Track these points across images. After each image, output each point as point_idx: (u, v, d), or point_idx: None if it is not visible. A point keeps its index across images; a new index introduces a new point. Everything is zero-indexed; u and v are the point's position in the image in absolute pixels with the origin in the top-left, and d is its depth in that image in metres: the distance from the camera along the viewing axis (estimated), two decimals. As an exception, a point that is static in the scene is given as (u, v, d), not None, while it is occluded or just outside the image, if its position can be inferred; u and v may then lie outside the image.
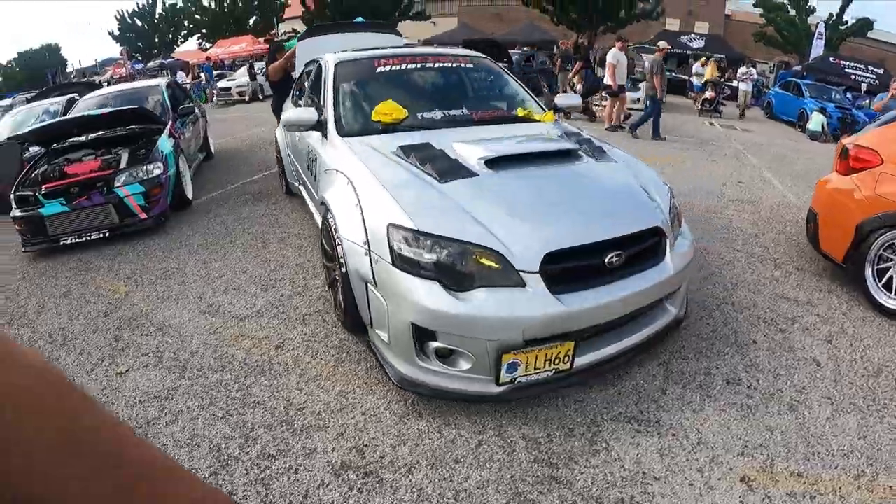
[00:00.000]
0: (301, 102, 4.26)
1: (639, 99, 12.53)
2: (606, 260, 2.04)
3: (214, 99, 17.46)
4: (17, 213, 4.22)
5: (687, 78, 17.15)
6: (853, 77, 16.80)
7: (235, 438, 2.07)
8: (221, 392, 2.36)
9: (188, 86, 14.46)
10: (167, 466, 0.34)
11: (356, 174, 2.48)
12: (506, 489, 1.78)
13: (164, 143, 4.89)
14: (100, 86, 9.26)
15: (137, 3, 32.95)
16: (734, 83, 14.88)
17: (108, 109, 5.16)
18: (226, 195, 5.67)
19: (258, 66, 16.05)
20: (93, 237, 4.30)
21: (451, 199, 2.15)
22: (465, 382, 1.99)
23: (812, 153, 8.98)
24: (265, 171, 6.57)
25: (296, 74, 5.35)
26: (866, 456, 1.96)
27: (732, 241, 4.15)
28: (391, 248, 2.01)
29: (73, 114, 5.68)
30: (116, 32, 32.75)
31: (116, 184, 4.34)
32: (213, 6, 30.38)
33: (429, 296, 1.89)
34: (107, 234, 4.34)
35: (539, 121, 3.27)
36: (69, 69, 39.26)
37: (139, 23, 33.15)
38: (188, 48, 33.32)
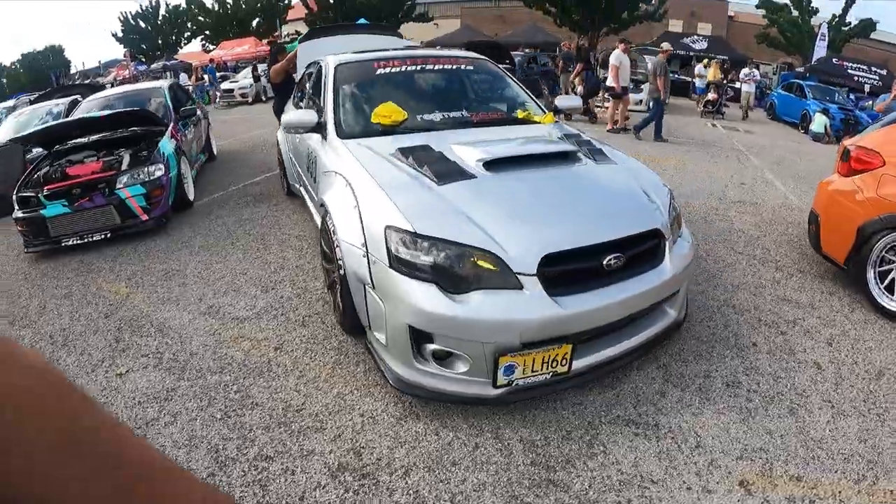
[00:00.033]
0: (302, 104, 4.27)
1: (641, 101, 12.53)
2: (605, 262, 2.04)
3: (217, 100, 17.53)
4: (19, 214, 4.25)
5: (690, 79, 17.13)
6: (856, 78, 16.75)
7: (233, 439, 2.07)
8: (220, 393, 2.36)
9: (190, 87, 14.52)
10: (166, 467, 0.34)
11: (354, 176, 2.48)
12: (502, 492, 1.78)
13: (166, 145, 4.90)
14: (103, 87, 9.30)
15: (141, 5, 33.21)
16: (737, 84, 14.84)
17: (110, 111, 5.18)
18: (227, 196, 5.68)
19: (262, 67, 16.09)
20: (94, 238, 4.32)
21: (448, 201, 2.15)
22: (463, 385, 1.99)
23: (814, 155, 8.95)
24: (267, 172, 6.58)
25: (297, 76, 5.36)
26: (867, 460, 1.95)
27: (734, 243, 4.13)
28: (388, 250, 2.01)
29: (75, 115, 5.70)
30: (120, 34, 32.88)
31: (118, 185, 4.35)
32: (216, 8, 30.48)
33: (426, 298, 1.89)
34: (108, 236, 4.36)
35: (539, 122, 3.27)
36: (73, 71, 39.43)
37: (143, 24, 33.28)
38: (191, 50, 33.42)
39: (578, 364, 2.06)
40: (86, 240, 4.29)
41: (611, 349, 2.17)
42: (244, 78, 17.80)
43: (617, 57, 9.38)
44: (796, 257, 3.90)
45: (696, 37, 24.49)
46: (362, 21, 10.08)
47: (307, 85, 4.35)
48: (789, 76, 16.94)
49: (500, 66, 4.13)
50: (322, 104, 3.30)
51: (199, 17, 31.83)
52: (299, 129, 3.27)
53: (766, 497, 1.77)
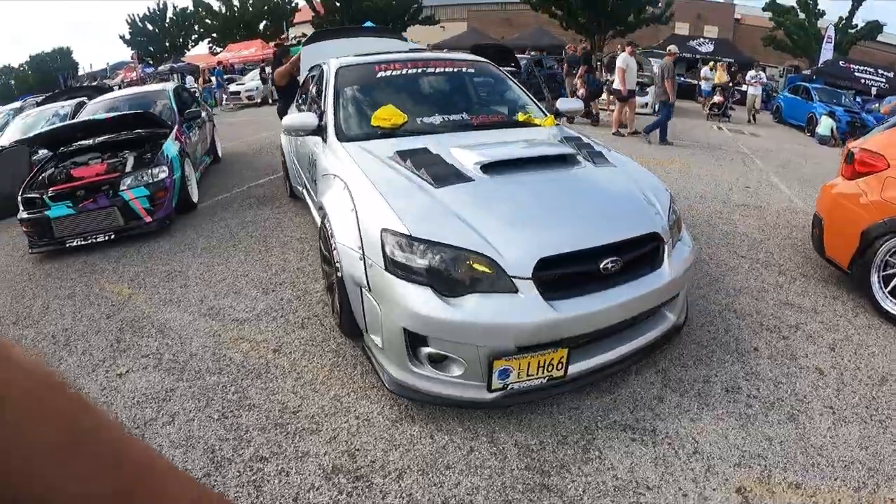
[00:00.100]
0: (305, 107, 4.29)
1: (647, 104, 12.48)
2: (602, 266, 2.02)
3: (224, 103, 17.64)
4: (24, 215, 4.29)
5: (696, 82, 17.05)
6: (863, 81, 16.61)
7: (230, 440, 2.07)
8: (218, 394, 2.37)
9: (196, 90, 14.62)
10: (165, 468, 0.34)
11: (352, 179, 2.48)
12: (496, 496, 1.77)
13: (170, 147, 4.94)
14: (110, 89, 9.39)
15: (148, 7, 33.42)
16: (743, 87, 14.76)
17: (115, 114, 5.23)
18: (231, 199, 5.71)
19: (269, 69, 16.19)
20: (98, 239, 4.35)
21: (445, 204, 2.15)
22: (458, 388, 1.99)
23: (820, 158, 8.88)
24: (271, 174, 6.61)
25: (301, 79, 5.38)
26: (867, 467, 1.92)
27: (737, 247, 4.11)
28: (384, 253, 2.01)
29: (81, 117, 5.76)
30: (127, 36, 33.20)
31: (122, 187, 4.39)
32: (223, 11, 30.72)
33: (420, 301, 1.89)
34: (112, 237, 4.39)
35: (539, 125, 3.26)
36: (80, 72, 39.81)
37: (150, 27, 33.58)
38: (199, 52, 33.70)
39: (575, 368, 2.04)
40: (90, 241, 4.33)
41: (608, 354, 2.15)
42: (251, 80, 17.92)
43: (624, 60, 9.36)
44: (800, 261, 3.86)
45: (702, 39, 24.43)
46: (368, 24, 10.13)
47: (310, 88, 4.37)
48: (796, 79, 16.83)
49: (505, 69, 4.13)
50: (323, 107, 3.31)
51: (207, 20, 32.09)
52: (300, 132, 3.28)
53: (764, 504, 1.75)
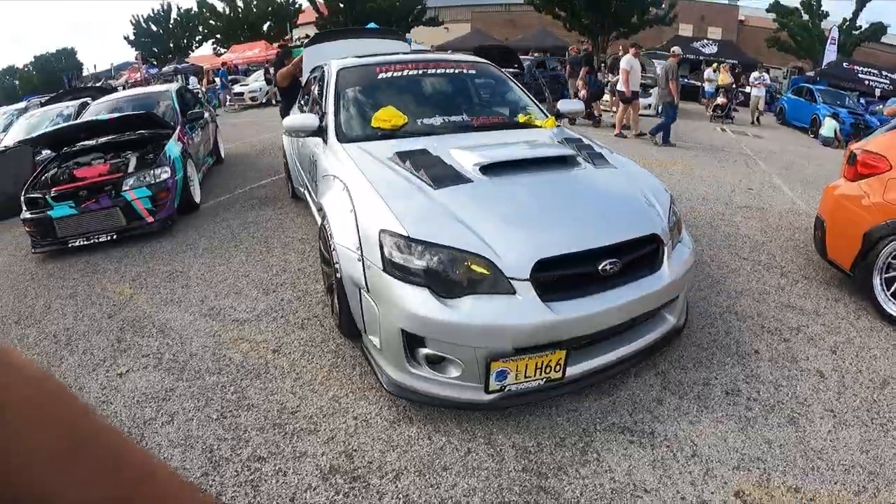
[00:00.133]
0: (306, 108, 4.30)
1: (650, 105, 12.46)
2: (600, 267, 2.02)
3: (227, 103, 17.70)
4: (27, 215, 4.31)
5: (699, 84, 17.02)
6: (867, 82, 16.54)
7: (228, 440, 2.08)
8: (217, 394, 2.38)
9: (199, 91, 14.67)
10: (165, 473, 0.35)
11: (351, 180, 2.49)
12: (493, 498, 1.76)
13: (172, 148, 4.96)
14: (114, 90, 9.44)
15: (153, 9, 33.64)
16: (747, 89, 14.72)
17: (118, 114, 5.25)
18: (233, 199, 5.73)
19: (273, 70, 16.25)
20: (100, 239, 4.37)
21: (443, 205, 2.15)
22: (456, 389, 1.98)
23: (824, 159, 8.84)
24: (273, 175, 6.63)
25: (303, 80, 5.40)
26: (868, 471, 1.91)
27: (739, 249, 4.09)
28: (383, 254, 2.01)
29: (84, 118, 5.79)
30: (132, 37, 33.37)
31: (124, 187, 4.41)
32: (227, 12, 30.84)
33: (418, 302, 1.89)
34: (114, 237, 4.41)
35: (540, 127, 3.26)
36: (84, 73, 40.00)
37: (154, 28, 33.75)
38: (203, 53, 33.82)
39: (573, 370, 2.04)
40: (92, 241, 4.35)
41: (607, 356, 2.14)
42: (254, 81, 17.98)
43: (628, 61, 9.33)
44: (802, 263, 3.85)
45: (705, 41, 24.38)
46: (372, 25, 10.15)
47: (312, 89, 4.38)
48: (799, 80, 16.77)
49: (507, 70, 4.13)
50: (323, 108, 3.32)
51: (210, 21, 32.25)
52: (301, 133, 3.29)
53: (762, 508, 1.74)
